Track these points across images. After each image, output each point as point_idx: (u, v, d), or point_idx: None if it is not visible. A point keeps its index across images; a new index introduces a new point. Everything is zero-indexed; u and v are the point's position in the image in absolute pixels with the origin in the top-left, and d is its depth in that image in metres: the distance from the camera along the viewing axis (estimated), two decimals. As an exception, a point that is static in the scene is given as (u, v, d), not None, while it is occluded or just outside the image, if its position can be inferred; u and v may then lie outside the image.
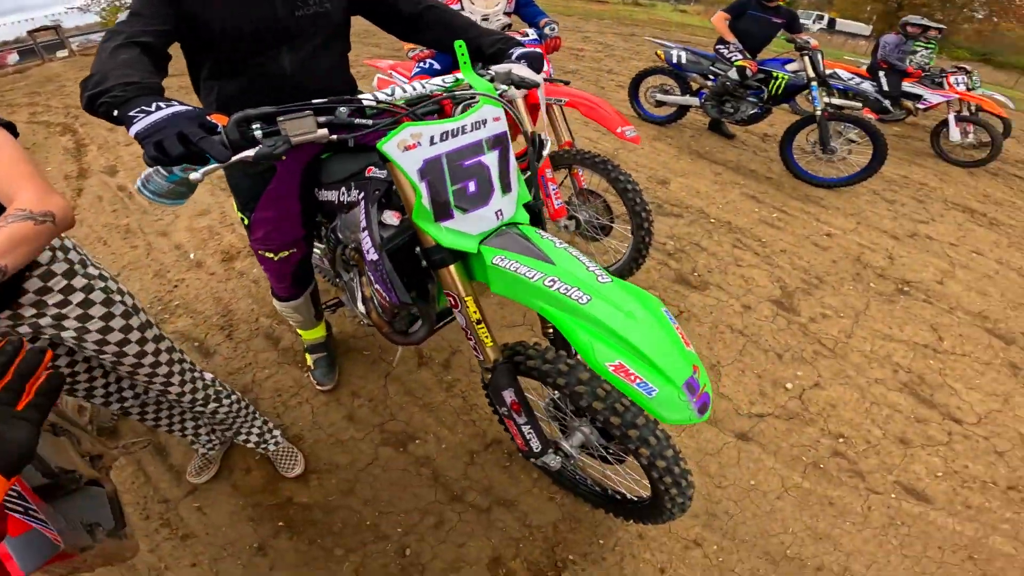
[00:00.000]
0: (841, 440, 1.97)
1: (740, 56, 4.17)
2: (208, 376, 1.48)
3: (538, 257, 1.11)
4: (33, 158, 0.92)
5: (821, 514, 1.71)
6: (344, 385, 2.10)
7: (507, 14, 2.75)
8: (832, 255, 3.16)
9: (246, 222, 1.59)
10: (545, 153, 1.74)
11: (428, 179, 1.08)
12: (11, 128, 0.93)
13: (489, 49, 1.40)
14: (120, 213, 3.41)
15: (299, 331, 2.06)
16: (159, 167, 1.02)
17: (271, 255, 1.63)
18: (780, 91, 4.09)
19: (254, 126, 0.94)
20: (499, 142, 1.18)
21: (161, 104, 0.88)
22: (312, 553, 1.56)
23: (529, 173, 1.42)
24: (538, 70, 1.36)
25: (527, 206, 1.28)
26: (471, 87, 1.21)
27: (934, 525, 1.71)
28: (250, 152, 0.92)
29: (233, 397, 1.58)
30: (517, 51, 1.37)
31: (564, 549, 1.57)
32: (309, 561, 1.54)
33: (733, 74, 4.21)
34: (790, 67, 4.05)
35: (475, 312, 1.23)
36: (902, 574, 1.57)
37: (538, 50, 1.39)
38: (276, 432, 1.78)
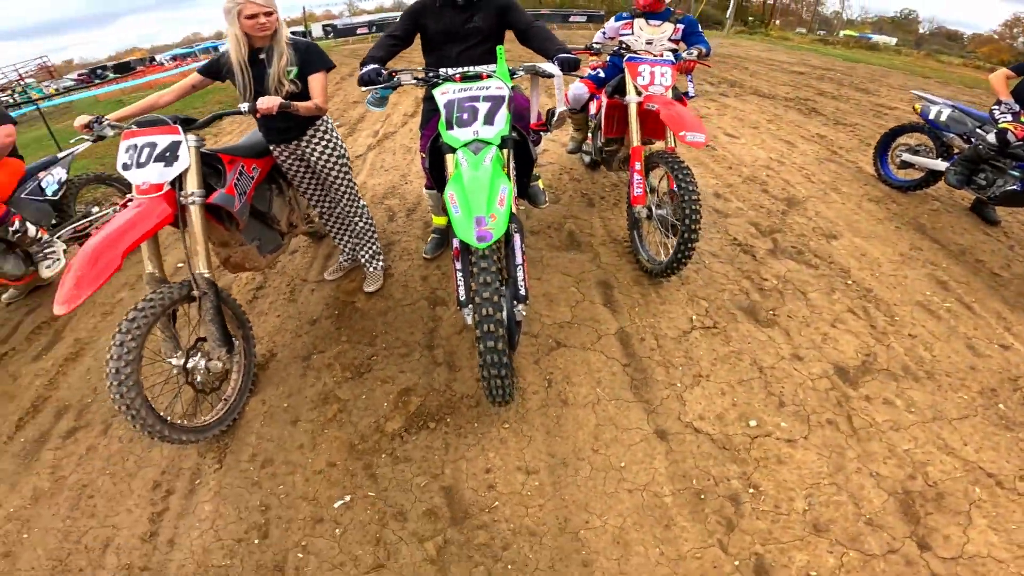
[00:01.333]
0: (751, 491, 2.03)
1: (1009, 117, 3.55)
2: (364, 202, 2.94)
3: (474, 151, 2.08)
4: (325, 83, 2.51)
5: None
6: (432, 263, 3.32)
7: (673, 40, 3.33)
8: (982, 369, 2.61)
9: (420, 136, 2.86)
10: (554, 122, 2.52)
11: (447, 108, 2.14)
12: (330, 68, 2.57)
13: (547, 53, 2.45)
14: (413, 140, 5.20)
15: (433, 216, 3.36)
16: (373, 93, 2.50)
17: (423, 156, 2.70)
18: None
19: (395, 76, 2.33)
20: (493, 99, 2.17)
21: (367, 67, 2.33)
22: (341, 327, 2.91)
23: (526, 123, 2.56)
24: (566, 68, 2.32)
25: (504, 136, 2.18)
26: (494, 71, 2.28)
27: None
28: (387, 84, 2.32)
29: (369, 222, 3.01)
30: (557, 56, 2.33)
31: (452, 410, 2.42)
32: (335, 332, 2.88)
33: (992, 138, 3.58)
34: None
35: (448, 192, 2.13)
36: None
37: (574, 57, 2.33)
38: (381, 260, 3.13)
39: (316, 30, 24.90)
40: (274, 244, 2.76)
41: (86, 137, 2.27)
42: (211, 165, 2.31)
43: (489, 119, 2.13)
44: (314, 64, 2.50)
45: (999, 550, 1.83)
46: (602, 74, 3.62)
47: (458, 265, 2.10)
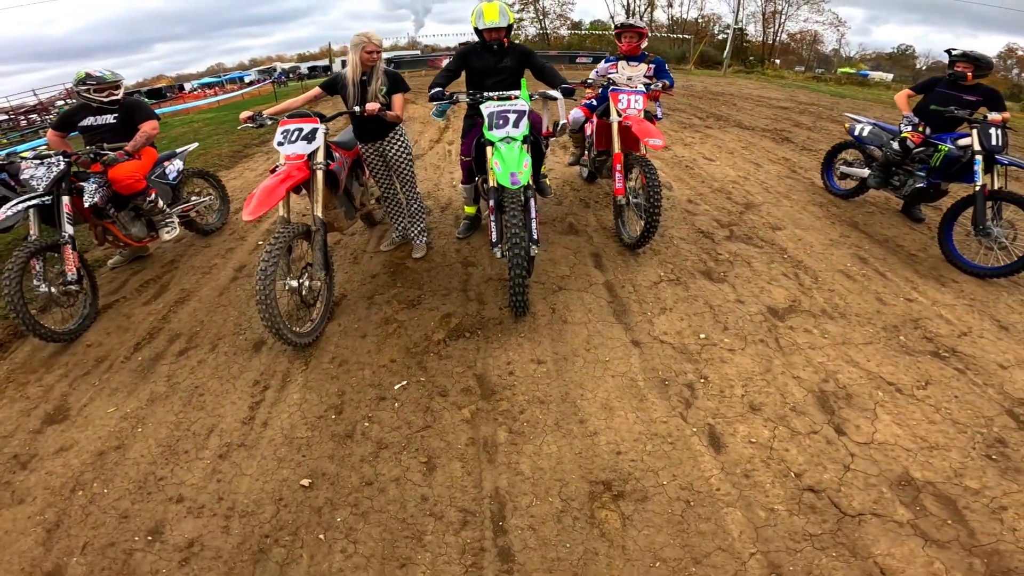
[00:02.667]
0: (702, 381, 2.81)
1: (910, 128, 4.37)
2: (419, 190, 3.94)
3: (508, 143, 3.10)
4: (403, 101, 3.65)
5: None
6: (464, 242, 4.27)
7: (648, 77, 4.36)
8: (887, 313, 3.36)
9: (461, 141, 3.92)
10: (557, 132, 3.66)
11: (490, 117, 3.21)
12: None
13: (553, 85, 3.53)
14: (441, 159, 6.53)
15: (465, 206, 4.35)
16: (436, 106, 3.62)
17: (462, 157, 3.87)
18: (938, 164, 4.16)
19: (455, 95, 3.50)
20: (518, 112, 3.21)
21: (435, 90, 3.52)
22: (395, 278, 3.80)
23: (544, 134, 3.58)
24: (566, 94, 3.42)
25: (526, 136, 3.21)
26: (519, 94, 3.25)
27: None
28: (449, 100, 3.52)
29: (422, 205, 4.01)
30: (560, 87, 3.43)
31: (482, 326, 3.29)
32: (391, 281, 3.77)
33: (896, 145, 4.43)
34: (962, 141, 4.01)
35: (492, 163, 3.11)
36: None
37: (571, 87, 3.39)
38: (425, 236, 4.11)
39: (337, 65, 26.48)
40: (351, 214, 3.82)
41: (250, 126, 3.28)
42: (327, 147, 3.32)
43: (516, 124, 3.17)
44: (398, 87, 3.59)
45: (905, 440, 2.38)
46: (594, 103, 4.71)
47: (493, 217, 3.18)
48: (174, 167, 4.52)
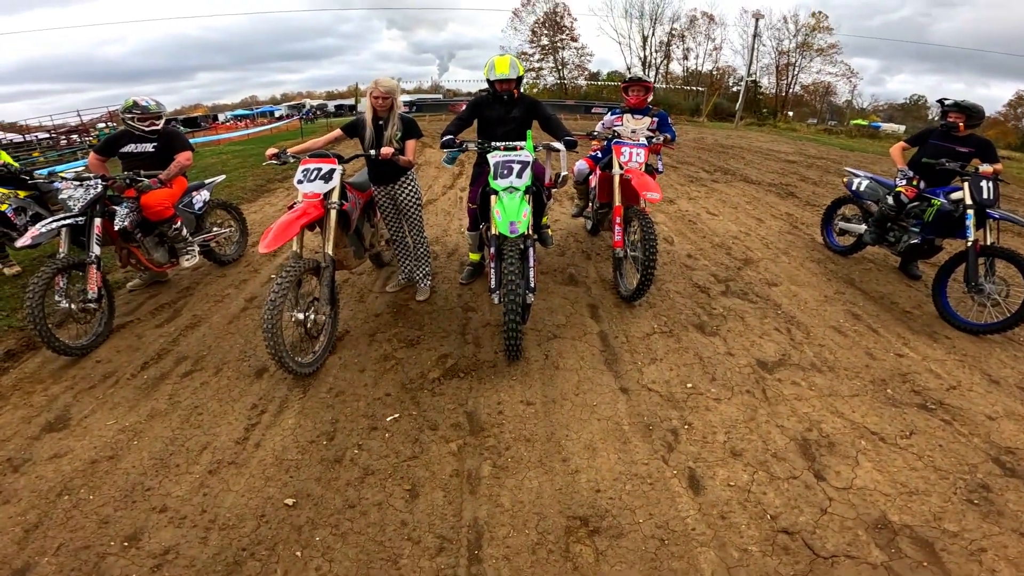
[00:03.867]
0: (686, 427, 2.99)
1: (904, 182, 4.41)
2: (427, 235, 4.13)
3: (511, 192, 3.25)
4: (415, 147, 3.87)
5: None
6: (466, 288, 4.43)
7: (651, 130, 4.57)
8: (876, 368, 3.42)
9: (467, 189, 4.14)
10: (559, 183, 3.76)
11: (495, 166, 3.37)
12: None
13: (558, 136, 3.71)
14: (452, 205, 6.69)
15: (469, 253, 4.48)
16: (447, 153, 3.74)
17: (470, 204, 4.02)
18: (932, 219, 4.17)
19: (464, 143, 3.66)
20: (522, 163, 3.35)
21: (447, 137, 3.71)
22: (398, 318, 3.91)
23: (547, 182, 3.77)
24: (569, 147, 3.64)
25: (528, 186, 3.35)
26: (524, 145, 3.43)
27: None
28: (459, 148, 3.67)
29: (428, 249, 4.19)
30: (564, 139, 3.64)
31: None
32: (393, 321, 3.85)
33: (891, 199, 4.48)
34: (954, 195, 4.01)
35: (495, 211, 3.26)
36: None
37: (574, 140, 3.65)
38: (430, 279, 4.26)
39: (364, 104, 27.56)
40: (360, 253, 4.00)
41: (274, 163, 3.54)
42: (342, 188, 3.52)
43: (519, 174, 3.33)
44: (411, 133, 3.79)
45: (884, 486, 2.44)
46: (599, 155, 4.92)
47: (493, 264, 3.33)
48: (201, 197, 4.78)
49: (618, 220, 4.12)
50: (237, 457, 2.67)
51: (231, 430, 2.87)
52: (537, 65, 46.63)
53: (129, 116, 4.20)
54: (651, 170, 4.39)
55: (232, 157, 15.24)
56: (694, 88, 40.53)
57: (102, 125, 31.60)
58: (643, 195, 3.94)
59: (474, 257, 4.54)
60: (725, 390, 3.20)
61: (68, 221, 3.64)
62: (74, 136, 28.63)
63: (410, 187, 3.97)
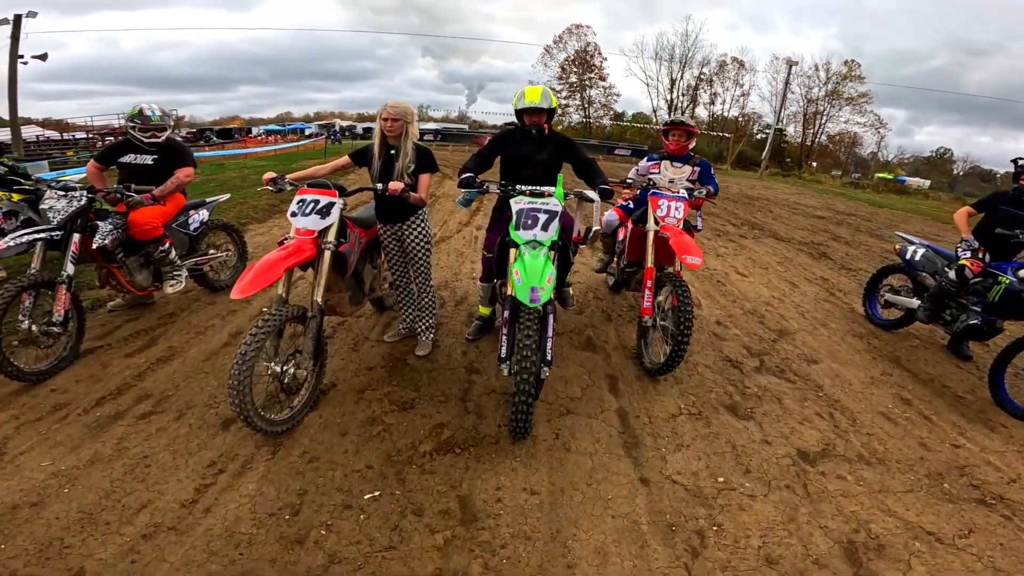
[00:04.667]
0: (715, 528, 2.57)
1: (969, 253, 3.94)
2: (433, 284, 3.70)
3: (534, 247, 2.85)
4: (429, 183, 3.48)
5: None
6: (473, 344, 4.00)
7: (691, 180, 4.14)
8: (931, 460, 3.09)
9: (485, 235, 3.70)
10: (588, 239, 3.30)
11: (518, 214, 2.95)
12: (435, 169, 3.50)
13: (592, 183, 3.31)
14: (466, 245, 6.35)
15: (479, 306, 4.02)
16: (463, 193, 3.31)
17: (485, 252, 3.61)
18: (997, 299, 3.71)
19: (485, 184, 3.23)
20: (549, 213, 2.96)
21: (468, 174, 3.25)
22: (392, 375, 3.50)
23: (574, 237, 3.38)
24: (604, 196, 3.17)
25: (554, 241, 2.96)
26: (554, 192, 3.02)
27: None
28: (478, 189, 3.22)
29: (433, 300, 3.76)
30: (599, 187, 3.18)
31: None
32: (387, 377, 3.48)
33: (952, 274, 3.99)
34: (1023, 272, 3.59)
35: (513, 270, 2.85)
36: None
37: (610, 189, 3.18)
38: (432, 332, 3.81)
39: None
40: (358, 299, 3.56)
41: (270, 188, 3.16)
42: (341, 225, 3.12)
43: (545, 227, 2.92)
44: (426, 166, 3.37)
45: None
46: (631, 205, 4.40)
47: (505, 330, 2.89)
48: (198, 217, 4.45)
49: (649, 284, 3.67)
50: (180, 522, 2.30)
51: (179, 489, 2.49)
52: (564, 102, 47.10)
53: (131, 124, 3.91)
54: (689, 227, 3.93)
55: (253, 172, 15.14)
56: (718, 134, 40.47)
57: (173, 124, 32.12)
58: (681, 258, 3.49)
59: (484, 311, 4.08)
60: (761, 485, 2.77)
61: (41, 235, 3.32)
62: (110, 138, 29.22)
63: (420, 228, 3.53)
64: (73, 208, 3.40)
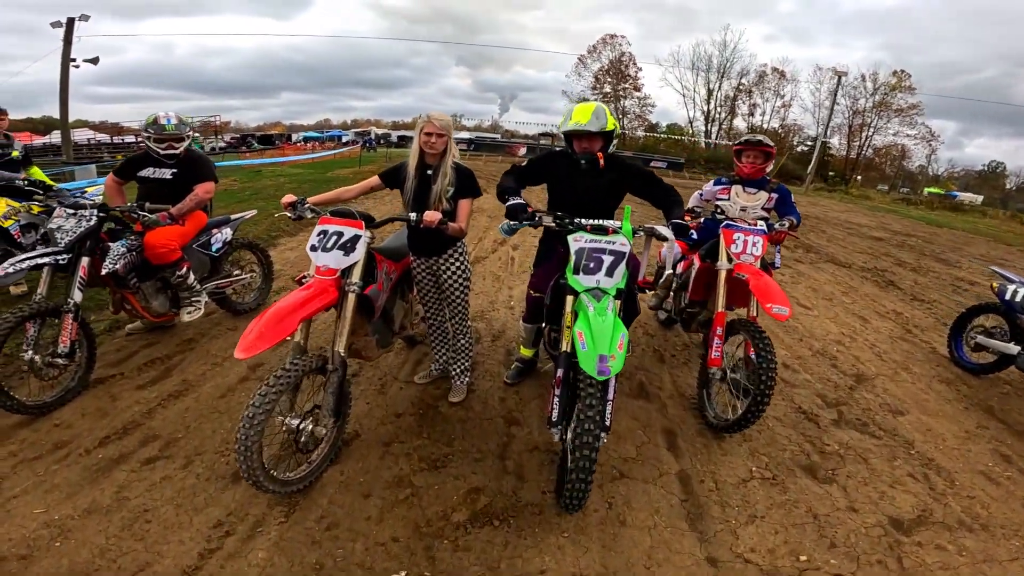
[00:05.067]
0: None
1: None
2: (471, 324, 3.30)
3: (597, 298, 2.40)
4: (470, 210, 3.02)
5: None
6: (512, 388, 3.57)
7: (766, 209, 3.64)
8: None
9: (532, 271, 3.25)
10: (660, 282, 2.82)
11: (577, 255, 2.46)
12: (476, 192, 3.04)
13: (667, 214, 2.73)
14: (503, 268, 6.08)
15: (521, 347, 3.58)
16: (507, 221, 2.68)
17: (531, 292, 3.15)
18: None
19: (537, 216, 2.55)
20: (617, 254, 2.47)
21: (515, 198, 2.65)
22: (423, 425, 3.16)
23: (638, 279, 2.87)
24: (678, 232, 2.55)
25: (620, 289, 2.49)
26: (621, 228, 2.54)
27: None
28: (529, 222, 2.52)
29: (470, 341, 3.36)
30: (673, 220, 2.60)
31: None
32: (417, 428, 3.13)
33: None
34: None
35: (569, 322, 2.45)
36: None
37: (686, 224, 2.56)
38: (468, 377, 3.41)
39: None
40: (386, 340, 3.17)
41: (288, 215, 2.80)
42: (368, 260, 2.72)
43: (611, 271, 2.45)
44: (467, 190, 2.94)
45: None
46: (695, 236, 3.71)
47: (557, 391, 2.45)
48: (221, 237, 4.17)
49: (719, 331, 3.18)
50: (179, 593, 2.00)
51: (182, 552, 2.21)
52: (597, 112, 46.41)
53: (147, 135, 3.63)
54: (766, 266, 3.39)
55: (289, 181, 15.21)
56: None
57: (195, 135, 33.18)
58: (766, 307, 2.97)
59: (526, 353, 3.58)
60: (849, 561, 2.38)
61: (45, 260, 3.06)
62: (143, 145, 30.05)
63: (458, 262, 3.11)
64: (82, 229, 3.15)
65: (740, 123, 44.69)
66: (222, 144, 34.08)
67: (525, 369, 3.64)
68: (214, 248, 4.10)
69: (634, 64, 45.49)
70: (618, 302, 2.47)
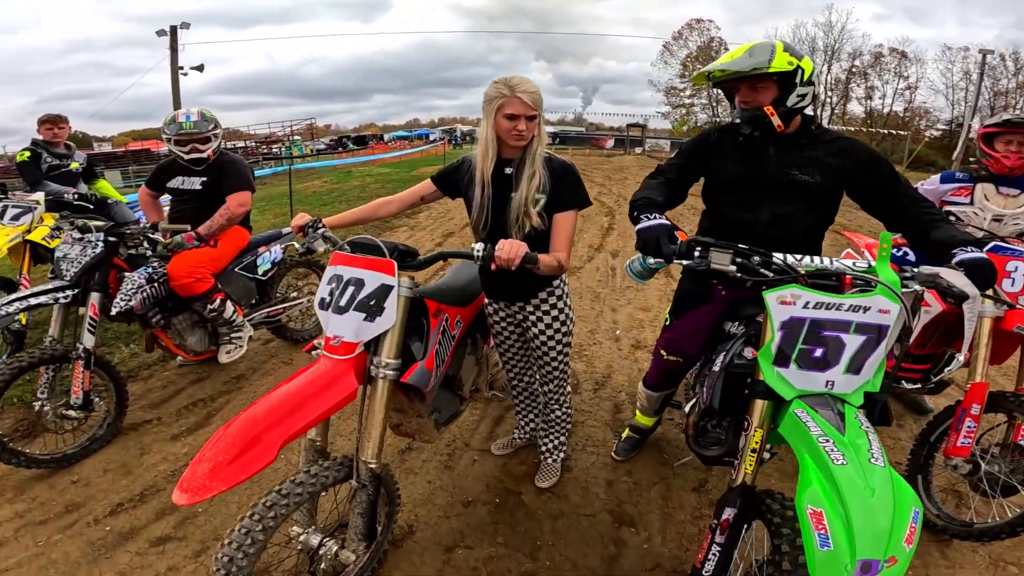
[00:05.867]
0: None
1: None
2: (569, 390, 2.35)
3: (836, 426, 1.28)
4: (574, 229, 1.93)
5: None
6: (623, 467, 2.63)
7: None
8: None
9: (667, 322, 2.21)
10: (948, 370, 1.72)
11: (785, 331, 1.36)
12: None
13: (938, 243, 1.54)
14: (602, 283, 4.94)
15: (638, 413, 2.61)
16: (640, 255, 1.65)
17: (664, 353, 2.12)
18: None
19: (697, 249, 1.45)
20: (871, 330, 1.34)
21: (654, 216, 1.57)
22: (498, 522, 2.29)
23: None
24: (980, 282, 1.37)
25: (869, 395, 1.38)
26: (877, 275, 1.38)
27: None
28: (685, 261, 1.47)
29: (568, 413, 2.41)
30: (961, 255, 1.42)
31: None
32: (490, 526, 2.28)
33: None
34: None
35: (756, 442, 1.46)
36: None
37: (986, 259, 1.42)
38: (562, 453, 2.49)
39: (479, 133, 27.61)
40: (452, 412, 2.22)
41: (296, 246, 2.04)
42: (414, 313, 1.78)
43: (856, 363, 1.35)
44: (568, 197, 1.90)
45: None
46: (910, 255, 2.62)
47: (720, 539, 1.46)
48: (269, 256, 3.52)
49: (975, 409, 1.99)
50: None
51: None
52: (688, 101, 44.34)
53: (166, 136, 3.02)
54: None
55: (374, 181, 15.08)
56: (879, 131, 35.30)
57: (297, 138, 35.52)
58: None
59: (644, 421, 2.60)
60: None
61: (42, 299, 2.53)
62: (262, 147, 32.24)
63: (553, 312, 2.10)
64: (87, 259, 2.59)
65: (855, 107, 40.62)
66: (320, 146, 35.67)
67: (640, 441, 2.67)
68: (261, 270, 3.46)
69: (725, 49, 42.53)
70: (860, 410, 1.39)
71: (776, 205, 1.78)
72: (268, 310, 3.53)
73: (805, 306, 1.34)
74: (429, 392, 1.82)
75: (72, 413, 2.57)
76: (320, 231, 1.90)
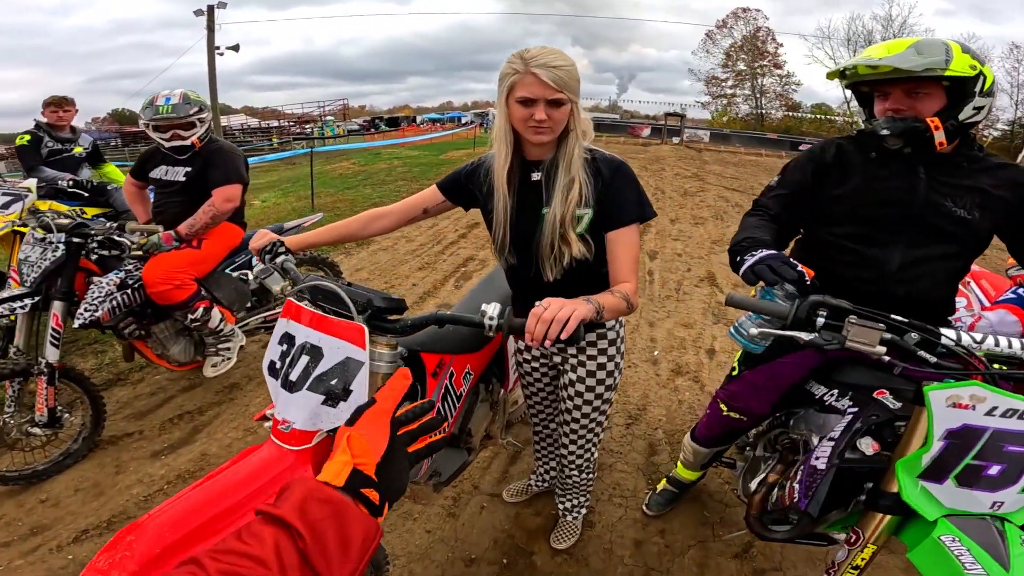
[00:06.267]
0: None
1: None
2: (596, 456, 1.90)
3: (997, 558, 0.93)
4: (638, 249, 1.45)
5: None
6: (655, 523, 2.23)
7: None
8: None
9: (734, 371, 1.77)
10: None
11: (950, 442, 0.98)
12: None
13: None
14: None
15: (680, 465, 2.19)
16: (749, 315, 1.23)
17: (724, 407, 1.71)
18: None
19: (822, 311, 1.03)
20: None
21: (760, 251, 1.24)
22: None
23: None
24: None
25: None
26: None
27: None
28: (803, 335, 1.03)
29: (591, 476, 1.97)
30: None
31: None
32: None
33: None
34: None
35: (862, 559, 1.12)
36: None
37: None
38: (583, 511, 2.09)
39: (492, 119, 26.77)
40: (457, 467, 1.80)
41: (249, 276, 1.69)
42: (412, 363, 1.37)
43: None
44: (624, 209, 1.38)
45: None
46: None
47: None
48: (268, 255, 3.19)
49: None
50: None
51: None
52: (730, 92, 43.01)
53: (144, 123, 2.66)
54: None
55: (401, 164, 14.73)
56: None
57: (330, 118, 35.71)
58: None
59: (685, 475, 2.18)
60: None
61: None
62: (295, 126, 32.41)
63: (604, 357, 1.63)
64: (46, 263, 2.29)
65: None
66: (352, 127, 35.79)
67: (676, 495, 2.26)
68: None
69: (773, 39, 40.67)
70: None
71: (914, 245, 1.34)
72: (266, 314, 3.21)
73: (990, 412, 0.95)
74: (423, 474, 1.44)
75: (37, 431, 2.33)
76: (280, 260, 1.37)
